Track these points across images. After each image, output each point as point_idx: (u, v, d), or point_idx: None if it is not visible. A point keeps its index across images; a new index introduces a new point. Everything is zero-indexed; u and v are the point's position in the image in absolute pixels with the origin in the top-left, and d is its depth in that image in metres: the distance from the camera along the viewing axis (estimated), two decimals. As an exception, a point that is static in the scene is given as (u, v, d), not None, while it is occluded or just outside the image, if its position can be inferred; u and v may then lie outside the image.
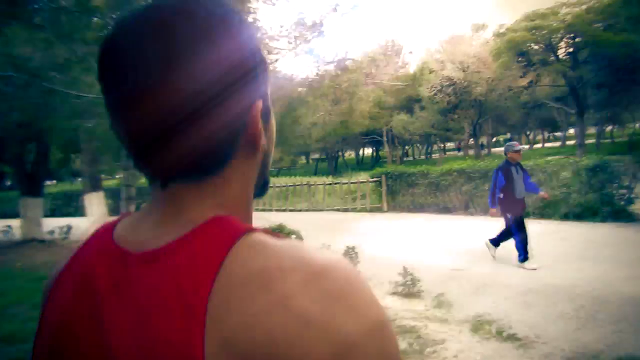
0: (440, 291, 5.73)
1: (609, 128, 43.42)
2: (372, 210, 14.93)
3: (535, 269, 6.47)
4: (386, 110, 28.45)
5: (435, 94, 23.91)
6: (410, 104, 28.37)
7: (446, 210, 13.07)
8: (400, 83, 28.10)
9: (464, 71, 22.84)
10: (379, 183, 14.92)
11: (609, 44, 17.76)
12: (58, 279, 0.58)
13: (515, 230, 6.72)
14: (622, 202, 9.92)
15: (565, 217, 10.40)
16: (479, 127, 30.68)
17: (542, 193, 7.56)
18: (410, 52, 32.63)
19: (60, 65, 4.60)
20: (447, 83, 23.27)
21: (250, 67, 0.54)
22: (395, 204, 14.54)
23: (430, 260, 7.43)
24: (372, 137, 34.49)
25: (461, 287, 5.96)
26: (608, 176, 10.17)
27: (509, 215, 6.83)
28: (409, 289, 5.81)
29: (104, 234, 0.58)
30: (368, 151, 57.22)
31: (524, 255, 6.68)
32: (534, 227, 9.72)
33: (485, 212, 12.11)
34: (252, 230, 0.49)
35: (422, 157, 52.17)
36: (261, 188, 0.63)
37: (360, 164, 46.61)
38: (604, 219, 9.80)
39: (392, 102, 28.14)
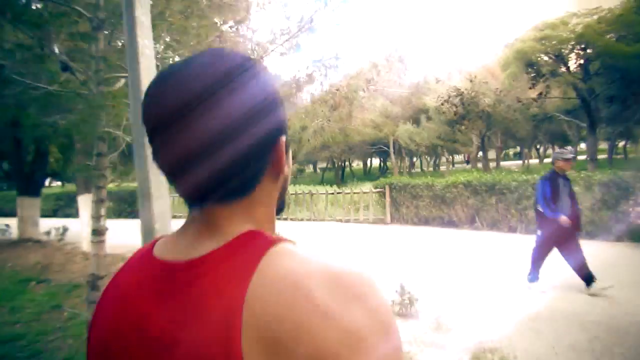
0: (440, 313, 5.27)
1: (621, 143, 42.68)
2: (374, 221, 14.48)
3: (544, 292, 5.97)
4: (392, 120, 28.02)
5: (441, 104, 23.44)
6: (416, 113, 27.95)
7: (451, 224, 12.59)
8: (403, 90, 27.66)
9: (471, 81, 22.38)
10: (383, 194, 14.47)
11: (621, 55, 17.23)
12: (105, 293, 0.67)
13: (540, 245, 6.08)
14: (638, 221, 9.39)
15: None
16: (488, 140, 30.15)
17: (563, 218, 5.86)
18: (415, 59, 31.89)
19: (9, 51, 4.26)
20: (454, 93, 22.79)
21: (275, 108, 0.64)
22: (399, 216, 14.08)
23: (432, 277, 6.96)
24: (379, 147, 34.05)
25: (463, 309, 5.48)
26: (623, 193, 9.63)
27: (540, 232, 6.07)
28: (405, 308, 5.35)
29: (144, 254, 0.67)
30: (376, 162, 56.81)
31: (534, 274, 6.17)
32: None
33: (492, 226, 11.71)
34: (281, 240, 0.58)
35: (430, 169, 51.61)
36: (280, 206, 0.72)
37: (368, 174, 46.18)
38: (618, 238, 9.29)
39: (398, 111, 27.71)
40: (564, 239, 5.86)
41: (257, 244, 0.57)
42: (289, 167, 0.70)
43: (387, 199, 14.26)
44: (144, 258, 0.66)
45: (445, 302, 5.69)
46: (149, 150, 0.78)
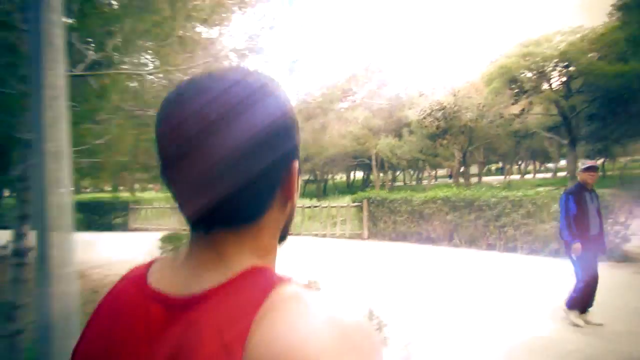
0: (411, 339, 4.84)
1: (600, 161, 43.13)
2: (351, 236, 14.06)
3: (601, 324, 5.27)
4: (374, 133, 27.81)
5: (424, 118, 23.30)
6: (399, 127, 27.77)
7: (429, 240, 12.24)
8: (383, 102, 27.43)
9: (454, 95, 22.31)
10: (361, 208, 14.09)
11: (602, 74, 17.30)
12: (93, 317, 0.65)
13: (581, 276, 5.25)
14: (617, 240, 9.14)
15: (556, 253, 9.59)
16: (470, 155, 30.12)
17: (577, 246, 5.19)
18: (397, 71, 31.54)
19: None
20: (437, 107, 22.68)
21: (290, 131, 0.62)
22: (377, 231, 13.69)
23: (405, 298, 6.56)
24: (361, 160, 33.80)
25: (436, 335, 5.07)
26: (602, 211, 9.39)
27: (575, 257, 5.22)
28: (373, 335, 4.90)
29: (138, 277, 0.65)
30: (360, 175, 56.63)
31: (580, 305, 5.37)
32: (522, 264, 9.02)
33: (470, 243, 11.39)
34: (285, 281, 0.57)
35: (413, 182, 51.57)
36: (284, 234, 0.70)
37: (351, 188, 45.93)
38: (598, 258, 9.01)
39: (381, 124, 27.50)
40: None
41: (260, 284, 0.56)
42: (297, 193, 0.68)
43: (365, 213, 13.88)
44: (137, 285, 0.64)
45: (418, 327, 5.28)
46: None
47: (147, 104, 5.55)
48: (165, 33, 5.61)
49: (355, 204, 14.32)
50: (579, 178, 5.32)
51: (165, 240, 9.40)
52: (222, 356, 0.49)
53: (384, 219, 13.51)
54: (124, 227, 18.59)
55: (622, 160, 40.92)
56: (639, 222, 9.88)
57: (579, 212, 5.13)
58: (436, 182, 42.74)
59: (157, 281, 0.63)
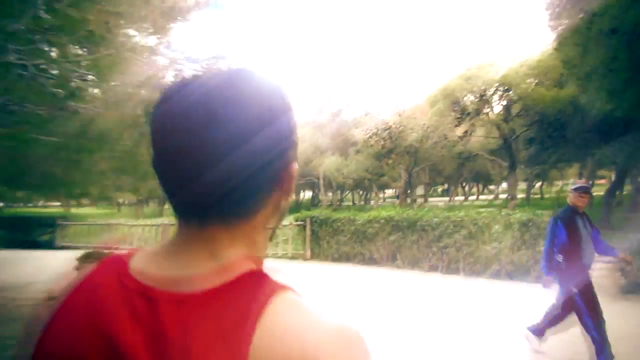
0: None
1: (538, 184, 45.08)
2: (294, 257, 13.47)
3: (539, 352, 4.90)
4: (322, 152, 27.58)
5: (370, 137, 23.34)
6: (346, 146, 27.71)
7: (372, 261, 11.87)
8: (324, 117, 27.30)
9: (399, 115, 22.51)
10: (304, 227, 13.57)
11: (540, 99, 17.92)
12: (60, 310, 0.60)
13: (586, 315, 4.43)
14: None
15: (496, 275, 9.45)
16: (416, 176, 30.47)
17: (622, 255, 4.80)
18: (341, 88, 31.45)
19: None
20: (383, 126, 22.78)
21: (290, 133, 0.64)
22: (320, 251, 13.19)
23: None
24: (309, 179, 33.44)
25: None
26: (542, 232, 9.36)
27: (571, 289, 4.50)
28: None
29: (117, 267, 0.62)
30: (310, 194, 56.24)
31: (540, 329, 4.96)
32: (462, 286, 8.81)
33: (413, 264, 11.13)
34: (285, 288, 0.58)
35: (362, 203, 51.74)
36: (272, 231, 0.70)
37: (299, 207, 45.41)
38: (536, 279, 8.92)
39: (328, 142, 27.33)
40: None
41: (261, 289, 0.56)
42: (292, 194, 0.69)
43: (308, 233, 13.37)
44: (119, 273, 0.61)
45: None
46: None
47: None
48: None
49: (298, 223, 13.79)
50: (568, 200, 4.71)
51: (83, 259, 8.49)
52: (227, 356, 0.51)
53: (327, 239, 13.05)
54: (50, 245, 17.16)
55: (559, 183, 42.88)
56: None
57: (570, 239, 4.45)
58: (384, 203, 43.03)
59: (142, 274, 0.60)
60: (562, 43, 9.32)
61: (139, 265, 0.62)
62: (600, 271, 10.07)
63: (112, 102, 7.74)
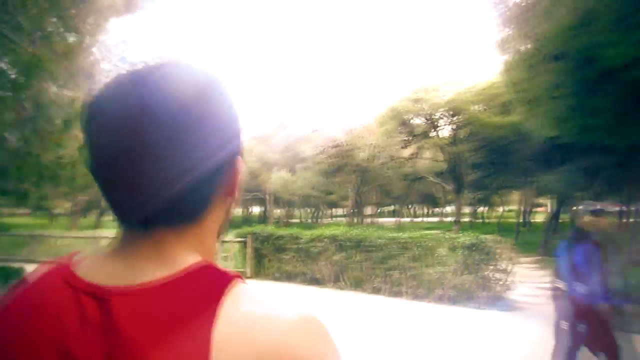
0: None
1: (480, 209, 46.56)
2: (233, 275, 12.75)
3: None
4: (269, 167, 27.03)
5: (318, 154, 23.09)
6: (294, 162, 27.35)
7: (315, 281, 11.37)
8: (269, 132, 26.87)
9: (348, 134, 22.45)
10: (245, 244, 12.93)
11: (485, 124, 18.34)
12: (1, 317, 0.57)
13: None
14: (499, 288, 9.01)
15: (440, 299, 9.23)
16: (364, 196, 30.48)
17: None
18: (289, 104, 31.11)
19: None
20: (331, 144, 22.63)
21: (234, 128, 0.61)
22: (262, 269, 12.56)
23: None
24: (256, 194, 32.69)
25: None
26: (485, 257, 9.27)
27: (581, 328, 3.91)
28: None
29: (62, 270, 0.59)
30: (258, 210, 55.26)
31: None
32: (406, 312, 8.49)
33: (356, 286, 10.75)
34: (237, 277, 0.57)
35: (310, 221, 51.35)
36: (220, 232, 0.67)
37: (247, 222, 44.43)
38: (480, 305, 8.77)
39: (277, 158, 26.85)
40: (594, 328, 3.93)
41: (215, 279, 0.55)
42: (238, 190, 0.66)
43: (249, 250, 12.74)
44: (63, 278, 0.58)
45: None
46: None
47: None
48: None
49: (239, 239, 13.13)
50: (579, 221, 4.13)
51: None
52: (189, 348, 0.49)
53: (269, 256, 12.46)
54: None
55: (500, 209, 44.40)
56: (520, 269, 9.96)
57: (582, 266, 3.92)
58: (332, 221, 42.83)
59: (89, 274, 0.57)
60: (511, 67, 9.43)
61: (84, 268, 0.59)
62: (542, 299, 10.10)
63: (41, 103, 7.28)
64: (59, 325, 0.53)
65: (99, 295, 0.54)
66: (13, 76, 7.15)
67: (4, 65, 7.46)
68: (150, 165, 0.52)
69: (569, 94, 7.28)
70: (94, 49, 9.68)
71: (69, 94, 8.37)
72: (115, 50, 9.43)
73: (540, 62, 7.38)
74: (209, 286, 0.54)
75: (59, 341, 0.52)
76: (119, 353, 0.49)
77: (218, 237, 0.67)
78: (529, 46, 7.97)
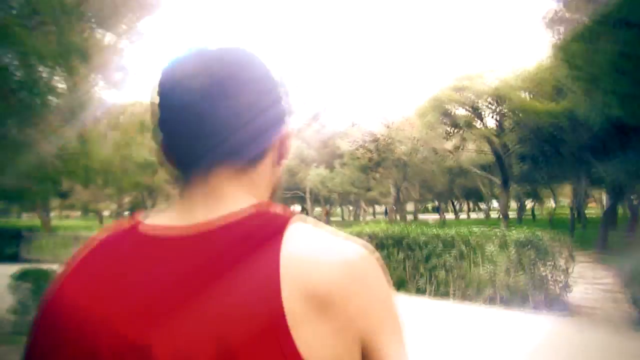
0: None
1: (529, 203, 44.34)
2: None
3: None
4: (307, 164, 26.55)
5: (356, 149, 22.39)
6: (332, 158, 26.70)
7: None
8: (316, 129, 26.28)
9: (387, 127, 21.61)
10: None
11: (533, 112, 17.11)
12: (75, 267, 0.64)
13: None
14: (557, 288, 8.14)
15: (491, 301, 8.44)
16: (405, 191, 29.58)
17: None
18: (328, 99, 30.26)
19: None
20: (370, 138, 21.85)
21: (284, 100, 0.72)
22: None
23: None
24: (295, 192, 32.36)
25: None
26: (541, 254, 8.40)
27: None
28: None
29: (129, 225, 0.66)
30: (299, 208, 55.16)
31: None
32: (453, 315, 7.74)
33: (399, 286, 10.07)
34: (298, 216, 0.62)
35: (351, 218, 50.70)
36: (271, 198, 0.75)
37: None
38: (535, 307, 7.94)
39: (314, 155, 26.31)
40: None
41: (277, 218, 0.61)
42: (286, 159, 0.75)
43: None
44: (131, 228, 0.65)
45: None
46: None
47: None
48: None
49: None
50: None
51: (19, 277, 7.42)
52: (262, 274, 0.54)
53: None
54: (14, 258, 16.08)
55: (550, 203, 42.15)
56: (577, 267, 9.02)
57: None
58: (374, 219, 42.02)
59: (155, 226, 0.64)
60: (566, 41, 8.44)
61: (149, 220, 0.65)
62: (603, 298, 9.13)
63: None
64: (125, 268, 0.59)
65: (166, 238, 0.60)
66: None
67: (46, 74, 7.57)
68: (218, 122, 0.62)
69: (638, 66, 6.33)
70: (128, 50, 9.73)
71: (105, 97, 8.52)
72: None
73: (604, 31, 6.46)
74: (268, 226, 0.58)
75: (125, 284, 0.57)
76: (194, 291, 0.54)
77: (272, 193, 0.73)
78: (589, 15, 7.04)
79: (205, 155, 0.64)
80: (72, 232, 19.58)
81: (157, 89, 0.65)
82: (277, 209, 0.63)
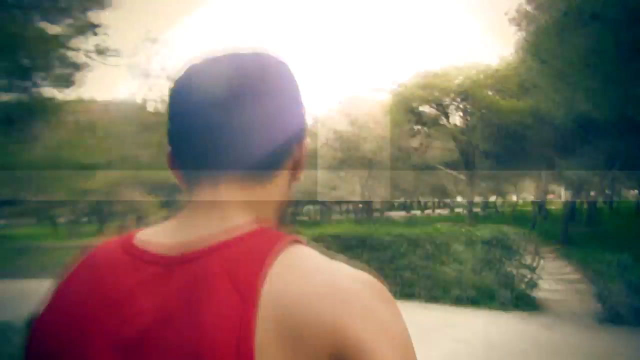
0: None
1: (492, 198, 45.20)
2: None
3: None
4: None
5: (320, 147, 22.08)
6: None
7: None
8: None
9: (353, 125, 21.37)
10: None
11: (497, 109, 17.24)
12: (63, 285, 0.61)
13: None
14: (524, 285, 8.00)
15: (458, 301, 8.23)
16: (372, 190, 29.46)
17: None
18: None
19: None
20: (334, 136, 21.54)
21: (303, 111, 0.67)
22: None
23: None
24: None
25: None
26: (507, 252, 8.25)
27: None
28: None
29: (121, 242, 0.63)
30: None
31: None
32: (419, 316, 7.45)
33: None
34: (299, 239, 0.58)
35: (318, 217, 50.34)
36: (281, 219, 0.71)
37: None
38: (503, 306, 7.77)
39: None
40: None
41: (275, 239, 0.56)
42: (302, 173, 0.71)
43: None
44: (124, 248, 0.62)
45: None
46: None
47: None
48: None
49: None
50: None
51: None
52: (237, 301, 0.50)
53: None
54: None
55: (513, 198, 43.13)
56: (543, 263, 8.94)
57: None
58: (341, 217, 41.85)
59: (149, 243, 0.60)
60: (534, 33, 8.29)
61: (144, 237, 0.62)
62: (569, 293, 9.08)
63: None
64: (116, 291, 0.56)
65: (161, 262, 0.57)
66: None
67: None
68: (232, 138, 0.59)
69: (606, 60, 6.19)
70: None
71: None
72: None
73: (573, 25, 6.29)
74: (265, 244, 0.55)
75: (117, 305, 0.55)
76: (173, 315, 0.51)
77: (281, 212, 0.69)
78: (556, 9, 6.89)
79: (213, 168, 0.61)
80: (21, 242, 18.53)
81: (169, 97, 0.64)
82: (275, 230, 0.59)
